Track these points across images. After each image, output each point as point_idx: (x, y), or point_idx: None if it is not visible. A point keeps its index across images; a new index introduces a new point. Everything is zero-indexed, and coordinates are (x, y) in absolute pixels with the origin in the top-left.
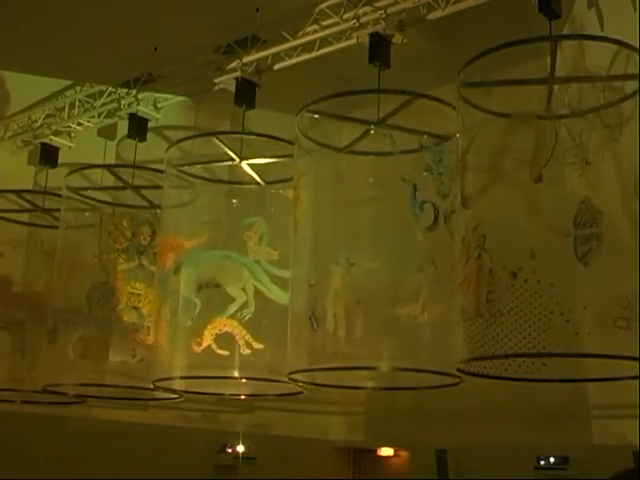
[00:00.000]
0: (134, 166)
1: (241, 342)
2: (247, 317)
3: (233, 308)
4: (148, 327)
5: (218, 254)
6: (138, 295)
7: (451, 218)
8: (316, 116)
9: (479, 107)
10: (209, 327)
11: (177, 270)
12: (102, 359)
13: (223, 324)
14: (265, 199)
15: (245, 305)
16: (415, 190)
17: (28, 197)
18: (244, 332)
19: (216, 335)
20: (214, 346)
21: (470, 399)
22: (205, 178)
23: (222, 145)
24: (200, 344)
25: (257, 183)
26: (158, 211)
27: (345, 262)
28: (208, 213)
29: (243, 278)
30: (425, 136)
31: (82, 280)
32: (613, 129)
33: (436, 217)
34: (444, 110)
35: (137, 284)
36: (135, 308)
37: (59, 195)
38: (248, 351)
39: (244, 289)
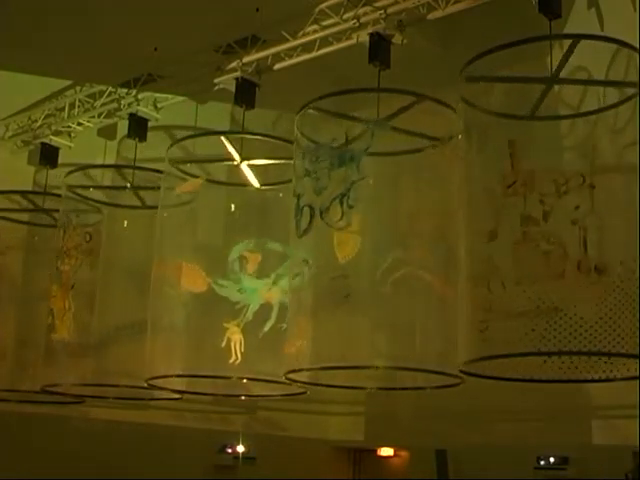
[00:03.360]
0: (134, 166)
1: None
2: None
3: None
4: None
5: None
6: (54, 297)
7: (329, 209)
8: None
9: (479, 107)
10: None
11: (278, 280)
12: None
13: None
14: None
15: None
16: (299, 199)
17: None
18: None
19: None
20: None
21: (470, 399)
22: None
23: (229, 145)
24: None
25: None
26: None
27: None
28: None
29: None
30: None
31: None
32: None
33: (311, 217)
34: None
35: (54, 287)
36: (51, 309)
37: (59, 195)
38: None
39: None
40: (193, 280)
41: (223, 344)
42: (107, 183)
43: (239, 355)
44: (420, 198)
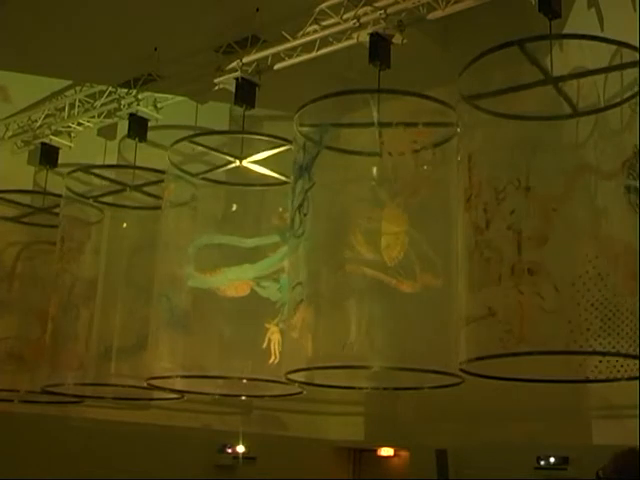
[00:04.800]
0: (134, 166)
1: None
2: None
3: None
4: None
5: None
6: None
7: (294, 220)
8: None
9: (479, 107)
10: None
11: None
12: None
13: None
14: None
15: None
16: None
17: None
18: None
19: None
20: None
21: (470, 399)
22: None
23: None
24: None
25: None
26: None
27: None
28: None
29: None
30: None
31: None
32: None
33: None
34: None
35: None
36: None
37: (59, 195)
38: None
39: None
40: (235, 284)
41: (264, 345)
42: (107, 184)
43: (278, 355)
44: (375, 200)
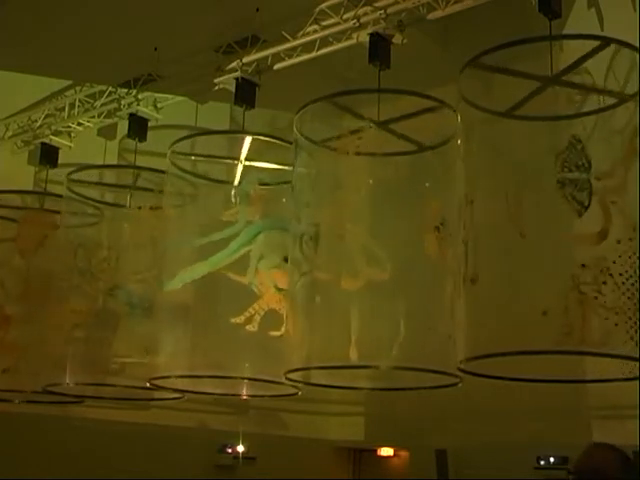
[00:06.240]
0: (134, 166)
1: None
2: None
3: None
4: None
5: None
6: None
7: None
8: None
9: (480, 107)
10: None
11: None
12: None
13: None
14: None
15: None
16: None
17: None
18: None
19: None
20: None
21: (470, 399)
22: None
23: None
24: None
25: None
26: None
27: None
28: None
29: None
30: None
31: None
32: None
33: None
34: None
35: None
36: None
37: (59, 195)
38: None
39: None
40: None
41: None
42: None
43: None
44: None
